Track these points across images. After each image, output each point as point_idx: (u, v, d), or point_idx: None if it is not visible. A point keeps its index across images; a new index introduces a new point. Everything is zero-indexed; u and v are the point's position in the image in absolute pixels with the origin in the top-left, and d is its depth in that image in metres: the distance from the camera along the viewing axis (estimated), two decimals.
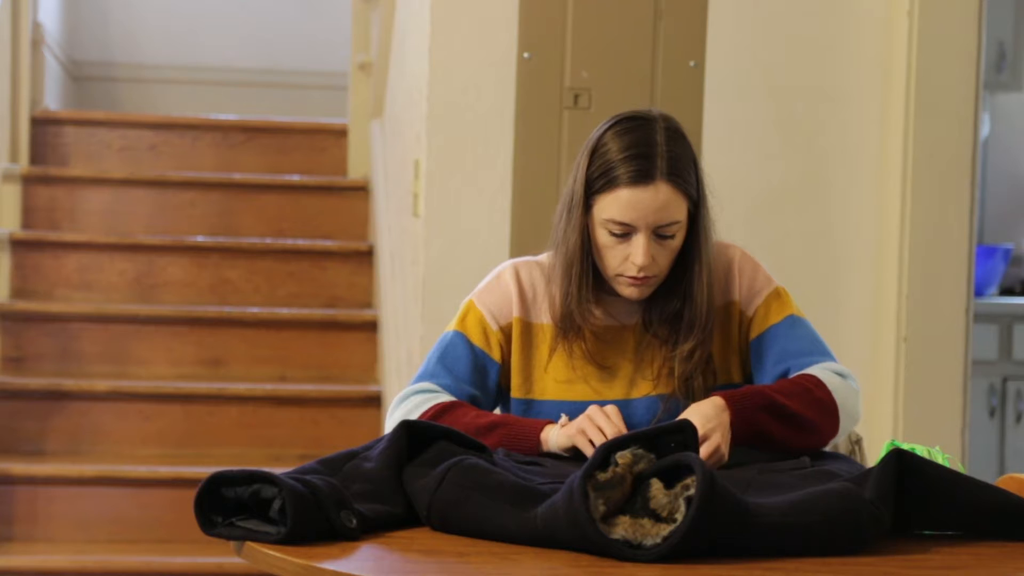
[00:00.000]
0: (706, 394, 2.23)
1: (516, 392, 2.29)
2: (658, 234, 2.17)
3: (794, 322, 2.29)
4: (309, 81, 6.43)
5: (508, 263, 2.35)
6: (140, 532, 4.26)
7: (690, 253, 2.22)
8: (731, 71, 3.59)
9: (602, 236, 2.19)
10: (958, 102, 3.59)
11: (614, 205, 2.16)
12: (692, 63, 3.55)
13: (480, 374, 2.28)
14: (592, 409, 2.15)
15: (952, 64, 3.59)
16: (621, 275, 2.20)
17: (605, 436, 2.10)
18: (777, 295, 2.30)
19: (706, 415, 2.11)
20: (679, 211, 2.18)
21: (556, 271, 2.26)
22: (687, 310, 2.23)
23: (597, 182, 2.18)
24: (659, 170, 2.15)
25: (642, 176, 2.15)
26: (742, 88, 3.61)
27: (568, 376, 2.27)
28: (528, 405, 2.29)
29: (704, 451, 2.06)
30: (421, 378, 2.29)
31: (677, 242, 2.20)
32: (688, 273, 2.22)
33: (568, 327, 2.25)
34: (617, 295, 2.26)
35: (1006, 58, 5.58)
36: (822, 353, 2.29)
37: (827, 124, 3.64)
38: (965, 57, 3.59)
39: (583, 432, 2.12)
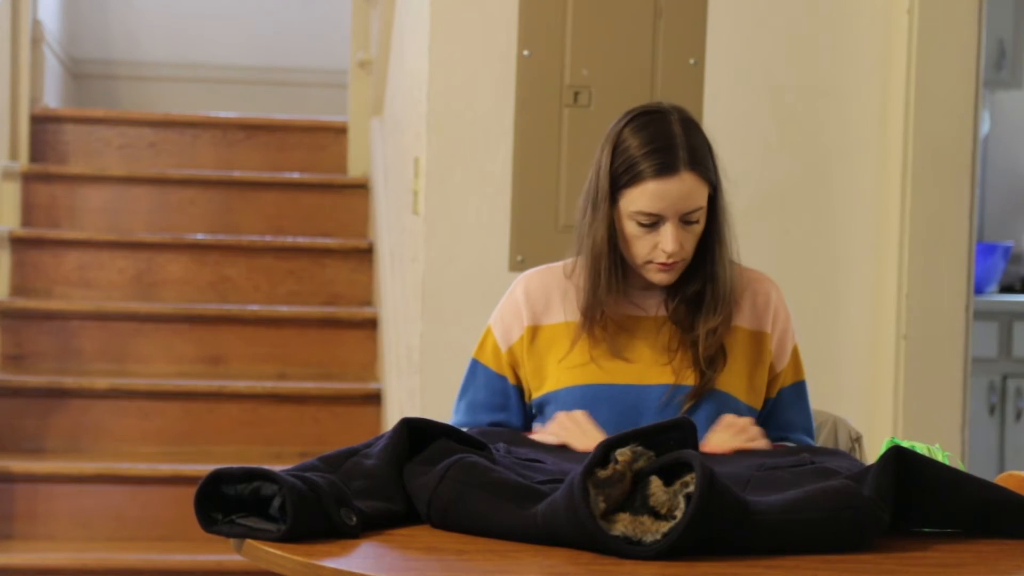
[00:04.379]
0: (714, 377, 2.29)
1: (534, 395, 2.34)
2: (684, 221, 2.25)
3: (801, 392, 2.39)
4: (309, 79, 6.43)
5: (521, 275, 2.41)
6: (140, 530, 4.27)
7: (711, 235, 2.30)
8: (731, 69, 3.59)
9: (630, 227, 2.26)
10: (958, 100, 3.59)
11: (642, 197, 2.23)
12: (692, 61, 3.55)
13: (502, 396, 2.36)
14: (561, 416, 2.23)
15: (952, 62, 3.58)
16: (651, 262, 2.27)
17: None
18: (796, 354, 2.39)
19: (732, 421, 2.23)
20: (702, 197, 2.25)
21: (583, 264, 2.31)
22: (710, 290, 2.30)
23: (622, 177, 2.25)
24: (682, 161, 2.23)
25: (667, 168, 2.22)
26: (742, 86, 3.61)
27: (584, 361, 2.30)
28: (544, 400, 2.32)
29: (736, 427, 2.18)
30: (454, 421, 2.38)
31: (700, 226, 2.28)
32: (710, 254, 2.30)
33: (594, 316, 2.29)
34: (641, 287, 2.32)
35: (1006, 56, 5.57)
36: (809, 432, 2.40)
37: (827, 122, 3.64)
38: (965, 55, 3.59)
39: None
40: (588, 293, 2.30)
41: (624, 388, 2.28)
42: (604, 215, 2.26)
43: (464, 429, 2.27)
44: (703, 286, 2.30)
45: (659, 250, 2.24)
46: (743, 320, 2.33)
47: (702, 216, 2.26)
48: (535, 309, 2.35)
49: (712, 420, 2.27)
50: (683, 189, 2.22)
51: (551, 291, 2.35)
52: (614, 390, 2.28)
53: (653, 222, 2.24)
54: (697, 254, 2.30)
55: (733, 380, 2.30)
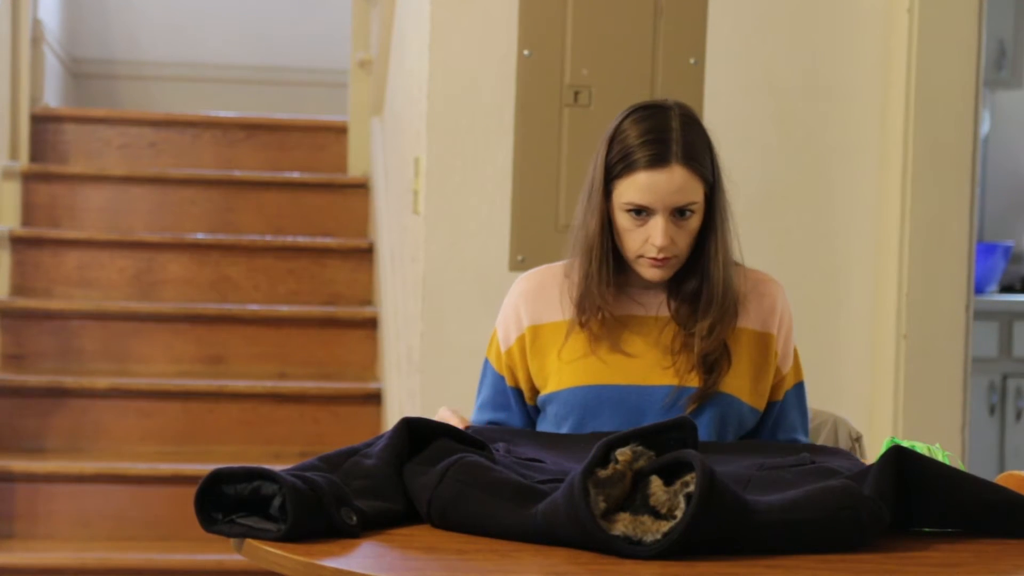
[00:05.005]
0: (718, 379, 2.28)
1: (542, 393, 2.34)
2: (676, 216, 2.24)
3: (801, 393, 2.39)
4: (309, 78, 6.43)
5: (521, 276, 2.41)
6: (140, 529, 4.27)
7: (707, 234, 2.28)
8: (731, 69, 3.59)
9: (622, 219, 2.25)
10: (958, 99, 3.59)
11: (632, 188, 2.23)
12: (692, 60, 3.55)
13: (504, 396, 2.38)
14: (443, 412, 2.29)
15: (952, 61, 3.58)
16: (642, 256, 2.26)
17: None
18: (796, 356, 2.39)
19: None
20: (695, 193, 2.24)
21: (577, 255, 2.31)
22: (705, 288, 2.28)
23: (616, 167, 2.25)
24: (674, 154, 2.22)
25: (658, 160, 2.22)
26: (742, 85, 3.61)
27: (584, 353, 2.30)
28: (546, 400, 2.32)
29: None
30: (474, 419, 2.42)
31: (695, 223, 2.26)
32: (705, 252, 2.28)
33: (588, 308, 2.29)
34: (642, 285, 2.31)
35: (1006, 55, 5.57)
36: (807, 432, 2.41)
37: (827, 121, 3.64)
38: (965, 54, 3.59)
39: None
40: (581, 285, 2.29)
41: (627, 389, 2.27)
42: (597, 206, 2.26)
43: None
44: (699, 285, 2.29)
45: (650, 244, 2.24)
46: (749, 321, 2.32)
47: (697, 212, 2.25)
48: (535, 309, 2.34)
49: (716, 422, 2.26)
50: (673, 182, 2.21)
51: (550, 290, 2.34)
52: (616, 391, 2.27)
53: (643, 214, 2.23)
54: (693, 252, 2.29)
55: (737, 382, 2.29)
